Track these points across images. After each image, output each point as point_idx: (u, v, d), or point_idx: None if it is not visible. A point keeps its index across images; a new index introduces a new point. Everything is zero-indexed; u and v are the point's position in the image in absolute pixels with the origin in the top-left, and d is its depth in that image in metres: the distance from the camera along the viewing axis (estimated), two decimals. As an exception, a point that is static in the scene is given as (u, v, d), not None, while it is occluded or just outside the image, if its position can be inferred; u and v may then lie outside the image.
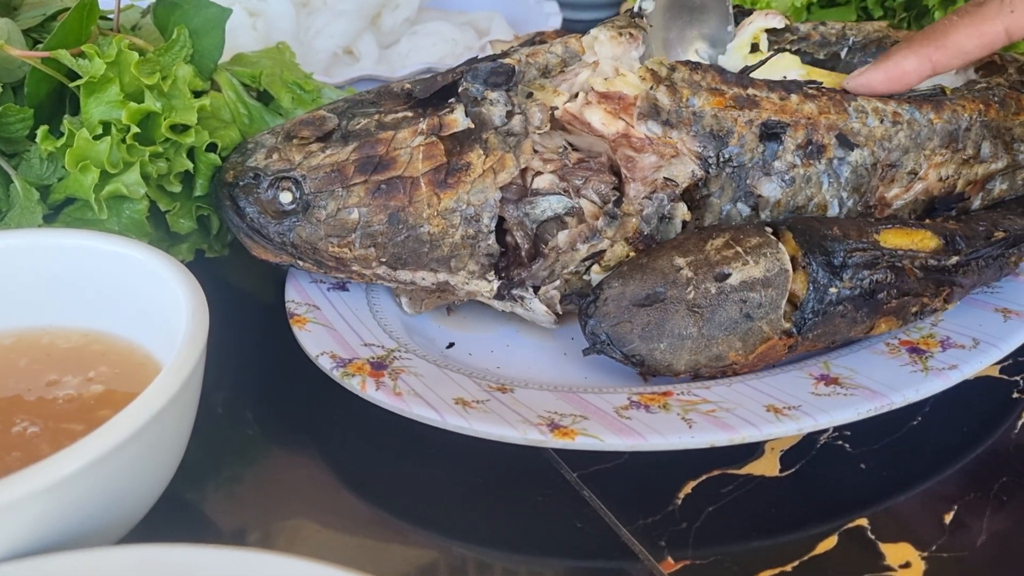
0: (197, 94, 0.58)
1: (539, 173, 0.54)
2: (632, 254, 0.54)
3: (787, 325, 0.50)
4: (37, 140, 0.55)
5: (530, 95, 0.55)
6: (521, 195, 0.54)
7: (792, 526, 0.47)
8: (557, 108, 0.55)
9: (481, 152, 0.53)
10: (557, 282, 0.54)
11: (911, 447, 0.51)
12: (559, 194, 0.54)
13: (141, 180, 0.54)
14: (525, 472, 0.50)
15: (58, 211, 0.57)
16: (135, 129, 0.54)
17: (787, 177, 0.55)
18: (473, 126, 0.54)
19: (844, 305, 0.49)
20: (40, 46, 0.59)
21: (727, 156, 0.54)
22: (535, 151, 0.54)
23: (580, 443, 0.46)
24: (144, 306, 0.48)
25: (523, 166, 0.54)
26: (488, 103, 0.55)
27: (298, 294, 0.57)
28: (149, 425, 0.38)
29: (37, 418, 0.45)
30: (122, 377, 0.47)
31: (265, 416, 0.56)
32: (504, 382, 0.51)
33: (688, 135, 0.54)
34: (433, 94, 0.55)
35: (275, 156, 0.55)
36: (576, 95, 0.55)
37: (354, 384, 0.49)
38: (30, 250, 0.50)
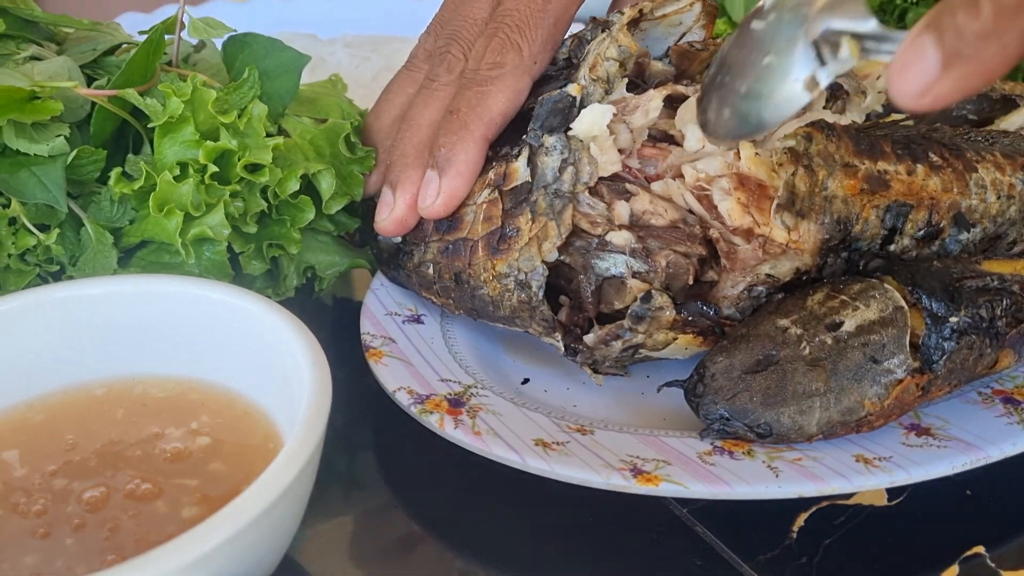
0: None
1: (615, 229, 0.51)
2: (678, 337, 0.51)
3: (916, 364, 0.47)
4: (110, 183, 0.53)
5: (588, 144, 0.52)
6: (595, 245, 0.52)
7: (911, 557, 0.46)
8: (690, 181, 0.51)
9: (529, 216, 0.52)
10: (608, 364, 0.54)
11: (1014, 473, 0.51)
12: (624, 255, 0.51)
13: (225, 221, 0.52)
14: (634, 509, 0.49)
15: (130, 254, 0.55)
16: (213, 168, 0.53)
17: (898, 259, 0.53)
18: (530, 179, 0.52)
19: (969, 336, 0.47)
20: (99, 83, 0.58)
21: (847, 243, 0.52)
22: (579, 212, 0.51)
23: (664, 489, 0.44)
24: (244, 354, 0.47)
25: (563, 238, 0.51)
26: (544, 152, 0.52)
27: (373, 327, 0.56)
28: (285, 494, 0.37)
29: (146, 473, 0.43)
30: (227, 428, 0.46)
31: (347, 455, 0.55)
32: (583, 423, 0.50)
33: (816, 224, 0.50)
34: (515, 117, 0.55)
35: None
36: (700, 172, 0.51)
37: (432, 421, 0.49)
38: (119, 298, 0.49)
